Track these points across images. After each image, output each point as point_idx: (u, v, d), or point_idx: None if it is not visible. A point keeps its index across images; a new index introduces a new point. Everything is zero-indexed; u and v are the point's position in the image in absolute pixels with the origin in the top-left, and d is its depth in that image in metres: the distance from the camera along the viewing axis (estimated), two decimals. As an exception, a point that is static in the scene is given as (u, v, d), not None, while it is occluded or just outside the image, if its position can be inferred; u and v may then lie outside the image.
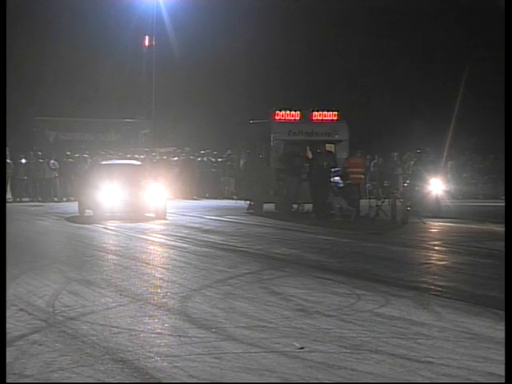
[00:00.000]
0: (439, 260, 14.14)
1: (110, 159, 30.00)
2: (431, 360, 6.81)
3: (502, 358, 6.83)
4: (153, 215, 21.85)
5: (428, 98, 42.25)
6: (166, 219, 21.54)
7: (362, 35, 44.04)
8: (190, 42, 41.76)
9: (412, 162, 26.39)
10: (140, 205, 21.82)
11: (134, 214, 21.63)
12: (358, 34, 44.07)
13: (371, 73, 43.14)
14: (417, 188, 22.70)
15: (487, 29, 40.51)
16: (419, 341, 7.53)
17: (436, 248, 15.93)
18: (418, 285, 10.92)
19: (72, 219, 22.26)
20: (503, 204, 26.45)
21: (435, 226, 20.27)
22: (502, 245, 14.91)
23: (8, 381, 4.83)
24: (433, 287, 10.76)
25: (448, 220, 21.35)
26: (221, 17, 42.62)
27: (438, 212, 22.34)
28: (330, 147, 24.25)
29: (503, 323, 8.26)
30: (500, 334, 7.74)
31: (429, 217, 21.28)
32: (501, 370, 6.47)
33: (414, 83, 42.10)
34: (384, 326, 8.20)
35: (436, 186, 23.19)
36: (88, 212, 22.28)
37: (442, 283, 11.15)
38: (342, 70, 44.17)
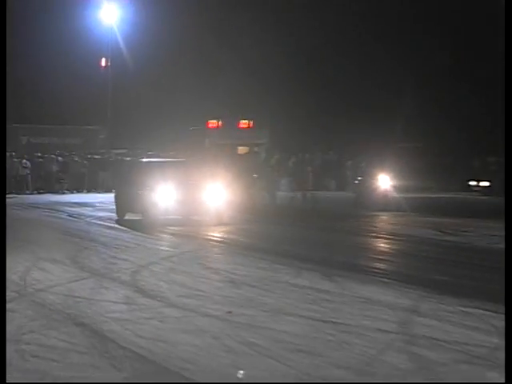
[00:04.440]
0: (351, 241, 14.15)
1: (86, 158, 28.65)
2: (333, 320, 6.89)
3: (388, 317, 6.96)
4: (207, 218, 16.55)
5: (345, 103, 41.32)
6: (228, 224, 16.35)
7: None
8: (141, 61, 41.52)
9: (363, 164, 26.48)
10: (198, 207, 16.26)
11: (191, 217, 16.59)
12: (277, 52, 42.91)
13: (291, 85, 42.15)
14: (366, 184, 22.68)
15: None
16: (324, 305, 7.62)
17: (363, 233, 15.44)
18: (324, 260, 11.01)
19: (121, 223, 17.00)
20: (441, 196, 26.42)
21: (376, 217, 19.60)
22: (427, 232, 15.04)
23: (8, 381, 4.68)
24: (335, 262, 10.86)
25: (392, 212, 20.24)
26: (168, 39, 42.42)
27: (385, 205, 21.44)
28: (245, 150, 24.43)
29: (391, 289, 8.41)
30: (387, 298, 7.88)
31: (378, 209, 20.75)
32: (387, 326, 6.59)
33: (336, 90, 41.16)
34: (296, 294, 8.28)
35: (384, 182, 23.07)
36: (129, 215, 17.33)
37: (342, 259, 11.27)
38: (270, 84, 42.84)
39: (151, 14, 41.43)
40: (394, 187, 23.68)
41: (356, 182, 24.07)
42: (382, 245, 13.90)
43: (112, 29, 40.55)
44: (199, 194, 16.24)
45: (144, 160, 19.61)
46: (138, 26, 41.06)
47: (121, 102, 42.40)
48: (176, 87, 42.44)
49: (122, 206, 17.69)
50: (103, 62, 41.64)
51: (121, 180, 19.11)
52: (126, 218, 17.38)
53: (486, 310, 7.26)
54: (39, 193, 30.08)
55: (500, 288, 8.63)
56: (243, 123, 26.33)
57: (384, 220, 19.10)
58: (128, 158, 33.71)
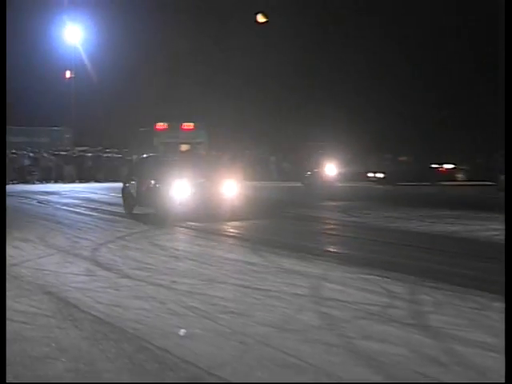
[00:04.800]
0: (283, 225, 14.22)
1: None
2: (259, 287, 6.92)
3: (303, 284, 7.03)
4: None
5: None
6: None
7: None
8: (101, 72, 40.85)
9: (312, 159, 26.56)
10: (211, 201, 13.60)
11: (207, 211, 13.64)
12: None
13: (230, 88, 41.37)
14: (315, 175, 22.78)
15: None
16: (251, 274, 7.64)
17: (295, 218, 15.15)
18: (253, 238, 11.03)
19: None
20: (346, 185, 26.14)
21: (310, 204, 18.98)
22: (337, 214, 15.05)
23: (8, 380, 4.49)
24: (264, 240, 10.89)
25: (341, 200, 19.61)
26: (126, 54, 41.76)
27: (334, 193, 20.97)
28: (186, 147, 24.40)
29: (306, 261, 8.52)
30: (303, 268, 7.96)
31: (330, 199, 20.13)
32: (302, 291, 6.67)
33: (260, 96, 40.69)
34: (229, 266, 8.29)
35: (331, 171, 23.09)
36: (138, 209, 14.65)
37: (268, 237, 11.31)
38: (209, 94, 42.09)
39: (113, 31, 40.91)
40: (326, 178, 24.13)
41: (307, 175, 24.20)
42: (303, 227, 13.98)
43: (76, 45, 40.07)
44: (213, 189, 13.74)
45: (157, 155, 16.82)
46: (100, 42, 40.44)
47: (83, 107, 41.83)
48: (130, 95, 42.10)
49: (131, 200, 14.81)
50: (68, 74, 41.20)
51: (131, 175, 15.66)
52: (135, 212, 14.68)
53: (380, 276, 7.44)
54: (13, 183, 29.39)
55: (388, 258, 8.87)
56: (186, 125, 26.36)
57: (313, 206, 18.94)
58: (89, 154, 33.26)
